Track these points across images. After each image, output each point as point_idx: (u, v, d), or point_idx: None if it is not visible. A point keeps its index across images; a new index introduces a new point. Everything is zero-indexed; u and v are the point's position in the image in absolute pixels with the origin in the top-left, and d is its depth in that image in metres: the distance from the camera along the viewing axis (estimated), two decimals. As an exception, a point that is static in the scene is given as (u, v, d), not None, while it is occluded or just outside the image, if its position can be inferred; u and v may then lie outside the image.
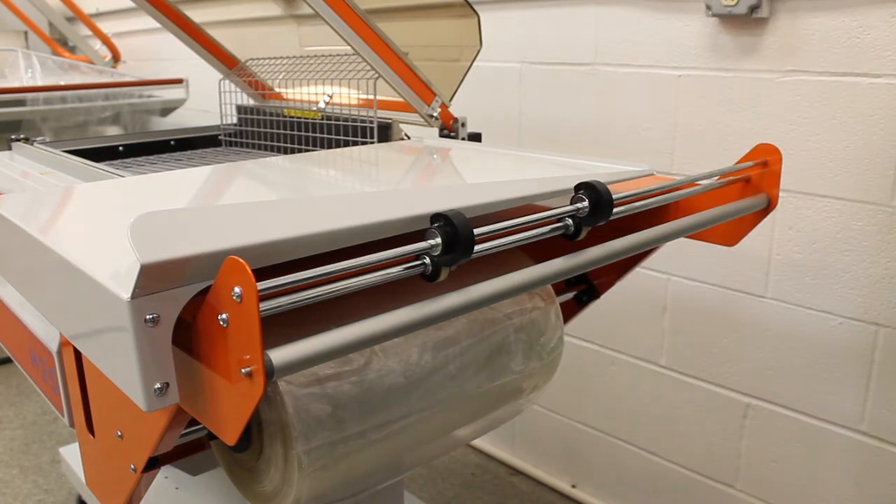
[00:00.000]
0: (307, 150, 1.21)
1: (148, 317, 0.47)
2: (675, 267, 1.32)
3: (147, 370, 0.48)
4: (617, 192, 0.66)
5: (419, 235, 0.57)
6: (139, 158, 1.34)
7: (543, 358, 0.83)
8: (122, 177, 0.98)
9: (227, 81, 1.45)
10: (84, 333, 0.57)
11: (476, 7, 1.14)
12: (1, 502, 1.62)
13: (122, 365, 0.49)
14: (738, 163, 0.83)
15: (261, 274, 0.44)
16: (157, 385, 0.48)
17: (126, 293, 0.46)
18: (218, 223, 0.56)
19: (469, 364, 0.74)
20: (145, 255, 0.45)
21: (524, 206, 0.68)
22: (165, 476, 1.20)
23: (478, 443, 1.82)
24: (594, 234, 0.67)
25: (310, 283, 0.49)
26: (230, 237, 0.50)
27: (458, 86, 1.17)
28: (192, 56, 1.47)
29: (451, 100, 1.16)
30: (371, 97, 1.14)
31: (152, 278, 0.46)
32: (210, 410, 0.52)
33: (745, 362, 1.27)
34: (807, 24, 1.07)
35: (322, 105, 1.27)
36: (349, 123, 1.19)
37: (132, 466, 0.69)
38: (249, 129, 1.41)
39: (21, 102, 1.84)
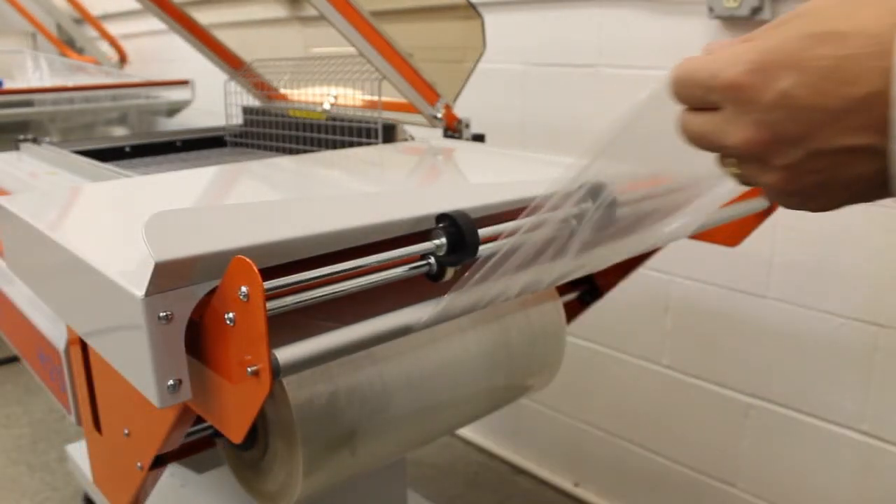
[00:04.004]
0: (312, 151, 1.21)
1: (161, 314, 0.47)
2: (678, 267, 1.33)
3: (160, 367, 0.48)
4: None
5: (424, 236, 0.58)
6: (146, 159, 1.35)
7: (546, 358, 0.84)
8: (130, 177, 0.99)
9: (232, 83, 1.46)
10: (97, 331, 0.58)
11: (480, 9, 1.14)
12: (9, 499, 1.63)
13: (135, 362, 0.50)
14: (739, 164, 0.84)
15: (267, 273, 0.45)
16: (171, 382, 0.49)
17: (140, 291, 0.47)
18: (229, 222, 0.57)
19: (472, 364, 0.75)
20: (159, 254, 0.46)
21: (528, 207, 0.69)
22: (171, 474, 1.21)
23: (481, 441, 1.83)
24: (596, 235, 0.67)
25: (316, 283, 0.50)
26: (241, 236, 0.51)
27: (462, 87, 1.18)
28: (198, 57, 1.48)
29: (455, 101, 1.16)
30: (375, 98, 1.15)
31: (166, 276, 0.47)
32: (216, 408, 0.52)
33: (747, 362, 1.27)
34: (809, 25, 1.07)
35: (327, 106, 1.27)
36: (354, 124, 1.20)
37: (139, 464, 0.70)
38: (255, 129, 1.42)
39: (29, 103, 1.85)
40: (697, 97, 0.35)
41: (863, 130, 0.29)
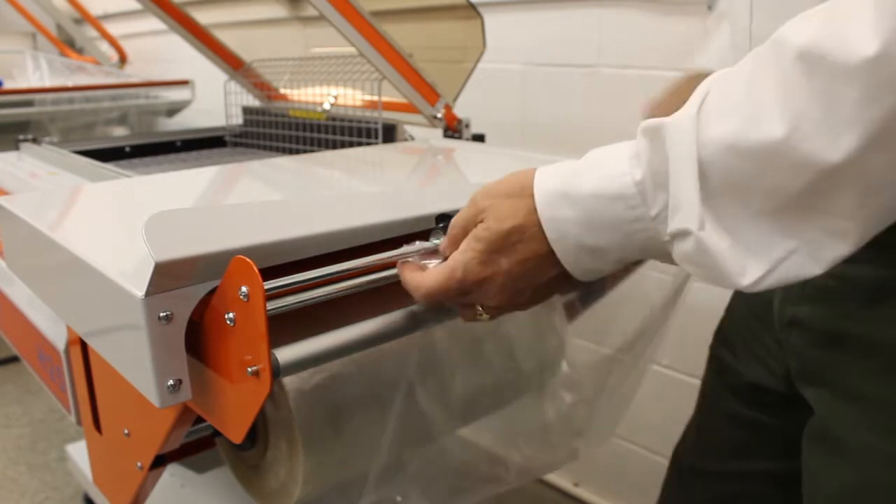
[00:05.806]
0: (312, 151, 1.22)
1: (161, 314, 0.47)
2: (677, 267, 1.32)
3: (161, 367, 0.48)
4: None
5: (424, 236, 0.58)
6: (146, 159, 1.35)
7: (547, 358, 0.84)
8: (130, 177, 0.99)
9: (232, 83, 1.46)
10: (97, 331, 0.58)
11: (480, 9, 1.14)
12: (9, 499, 1.63)
13: (135, 362, 0.50)
14: (739, 164, 0.84)
15: (267, 273, 0.45)
16: (171, 382, 0.49)
17: (140, 291, 0.47)
18: (230, 222, 0.57)
19: (473, 364, 0.75)
20: (159, 254, 0.46)
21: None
22: (171, 474, 1.21)
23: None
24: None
25: (316, 283, 0.50)
26: (241, 236, 0.51)
27: (462, 87, 1.18)
28: (198, 57, 1.48)
29: (455, 101, 1.16)
30: (376, 98, 1.15)
31: (166, 276, 0.47)
32: (216, 408, 0.52)
33: (748, 362, 1.27)
34: (809, 25, 1.07)
35: (327, 106, 1.27)
36: (354, 124, 1.20)
37: (139, 464, 0.70)
38: (255, 129, 1.42)
39: (29, 103, 1.85)
40: (453, 297, 0.50)
41: (551, 266, 0.48)
